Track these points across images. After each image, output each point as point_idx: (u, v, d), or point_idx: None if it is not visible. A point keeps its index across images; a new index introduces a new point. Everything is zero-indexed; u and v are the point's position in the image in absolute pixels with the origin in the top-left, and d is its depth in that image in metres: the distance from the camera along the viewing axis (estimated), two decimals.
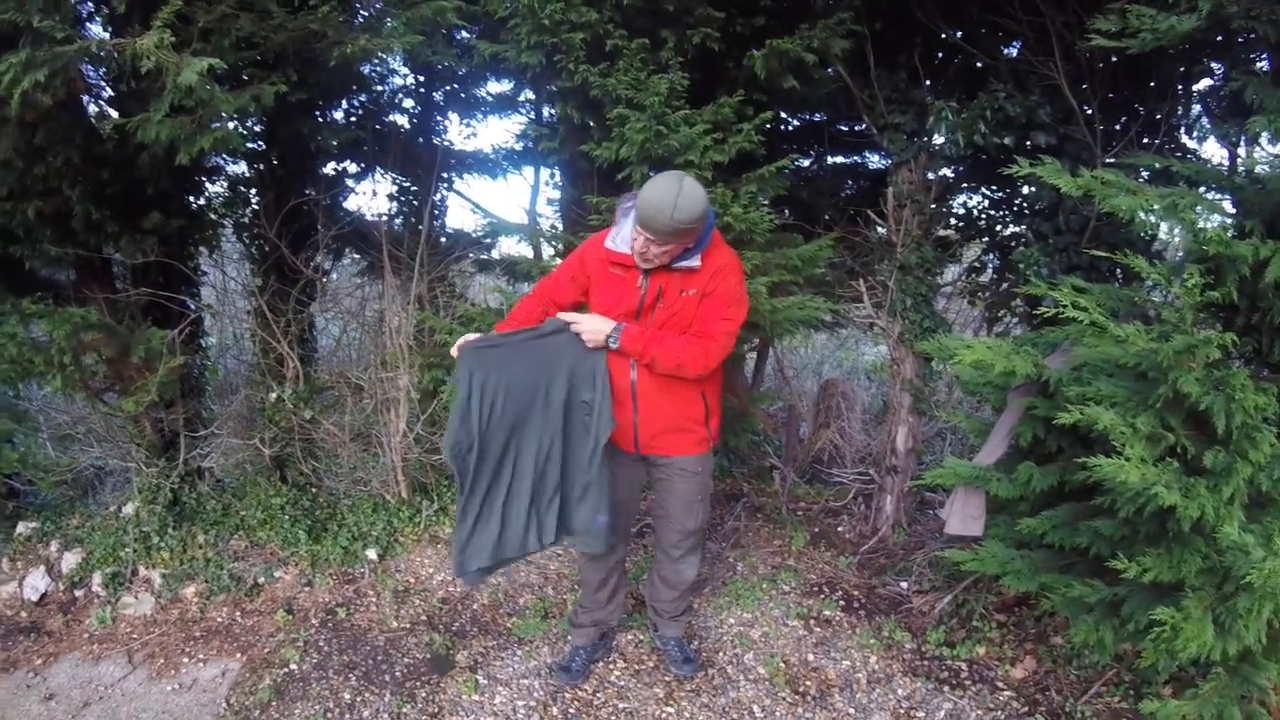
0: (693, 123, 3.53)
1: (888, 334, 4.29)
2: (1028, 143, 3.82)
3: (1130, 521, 2.56)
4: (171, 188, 4.19)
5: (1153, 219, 2.74)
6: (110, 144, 3.75)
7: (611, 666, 3.45)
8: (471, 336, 2.81)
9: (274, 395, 4.44)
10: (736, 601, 3.90)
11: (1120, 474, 2.24)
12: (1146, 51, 2.84)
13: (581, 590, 3.46)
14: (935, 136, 4.03)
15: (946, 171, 4.53)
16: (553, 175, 5.15)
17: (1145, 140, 3.94)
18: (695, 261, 2.71)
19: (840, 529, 4.53)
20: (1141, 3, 2.87)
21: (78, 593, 4.06)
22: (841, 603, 3.93)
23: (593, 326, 2.75)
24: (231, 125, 3.33)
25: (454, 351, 2.79)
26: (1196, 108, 4.16)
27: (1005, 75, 3.87)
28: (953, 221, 4.93)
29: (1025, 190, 4.56)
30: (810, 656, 3.55)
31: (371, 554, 4.41)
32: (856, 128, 5.47)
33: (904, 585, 4.06)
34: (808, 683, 3.39)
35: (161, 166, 3.83)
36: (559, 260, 4.27)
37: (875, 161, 5.71)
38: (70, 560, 4.17)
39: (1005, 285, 4.72)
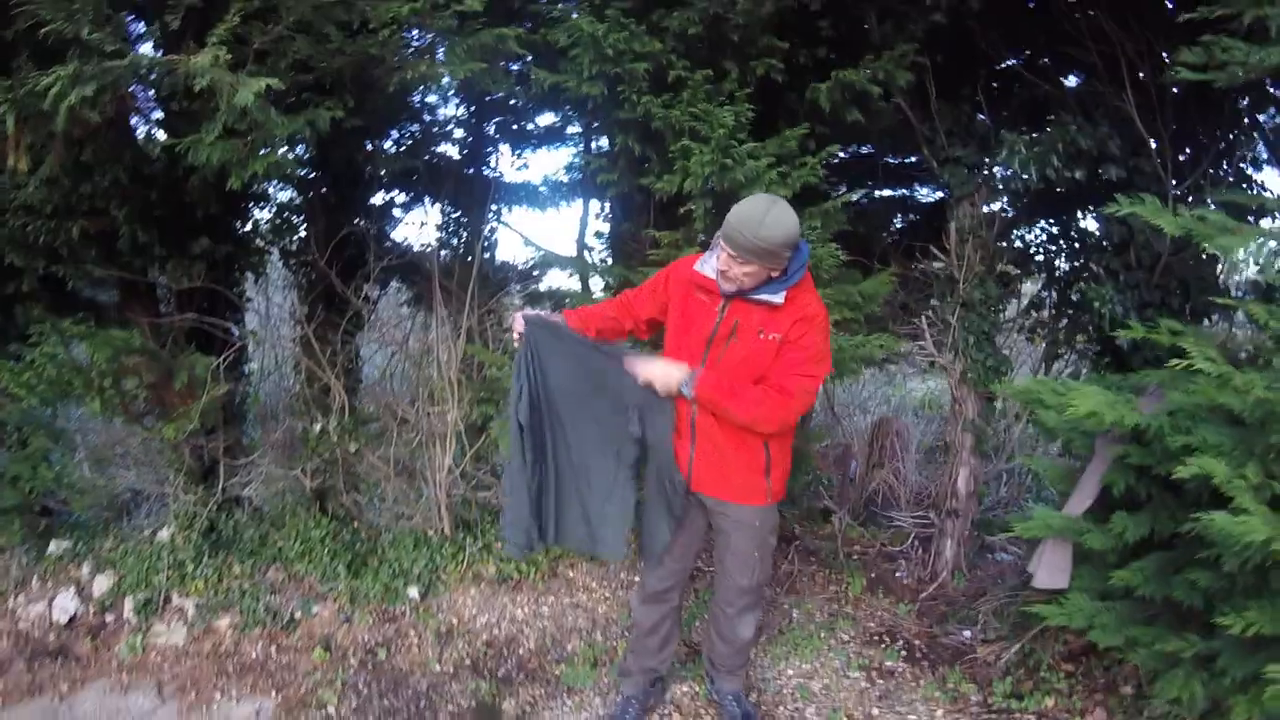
0: (757, 156, 3.37)
1: (949, 373, 4.08)
2: (1098, 176, 3.64)
3: (1228, 574, 2.35)
4: (220, 212, 4.08)
5: (1254, 259, 2.53)
6: (159, 165, 3.66)
7: None
8: (532, 312, 2.74)
9: (318, 426, 4.28)
10: (794, 651, 3.66)
11: (1240, 529, 2.02)
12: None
13: (633, 634, 3.24)
14: (1002, 169, 3.85)
15: (1002, 205, 4.34)
16: (603, 208, 5.00)
17: (1212, 172, 3.75)
18: (779, 297, 2.51)
19: (898, 574, 4.28)
20: (1221, 32, 2.69)
21: (108, 617, 3.87)
22: (903, 652, 3.68)
23: (664, 373, 2.58)
24: (283, 150, 3.19)
25: (516, 322, 2.75)
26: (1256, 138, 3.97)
27: (1072, 107, 3.69)
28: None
29: (1085, 225, 4.37)
30: (875, 711, 3.30)
31: (413, 592, 4.22)
32: (906, 160, 5.34)
33: (967, 634, 3.81)
34: None
35: (211, 191, 3.72)
36: (606, 294, 4.12)
37: (925, 195, 5.56)
38: (102, 583, 3.98)
39: (1065, 322, 4.49)
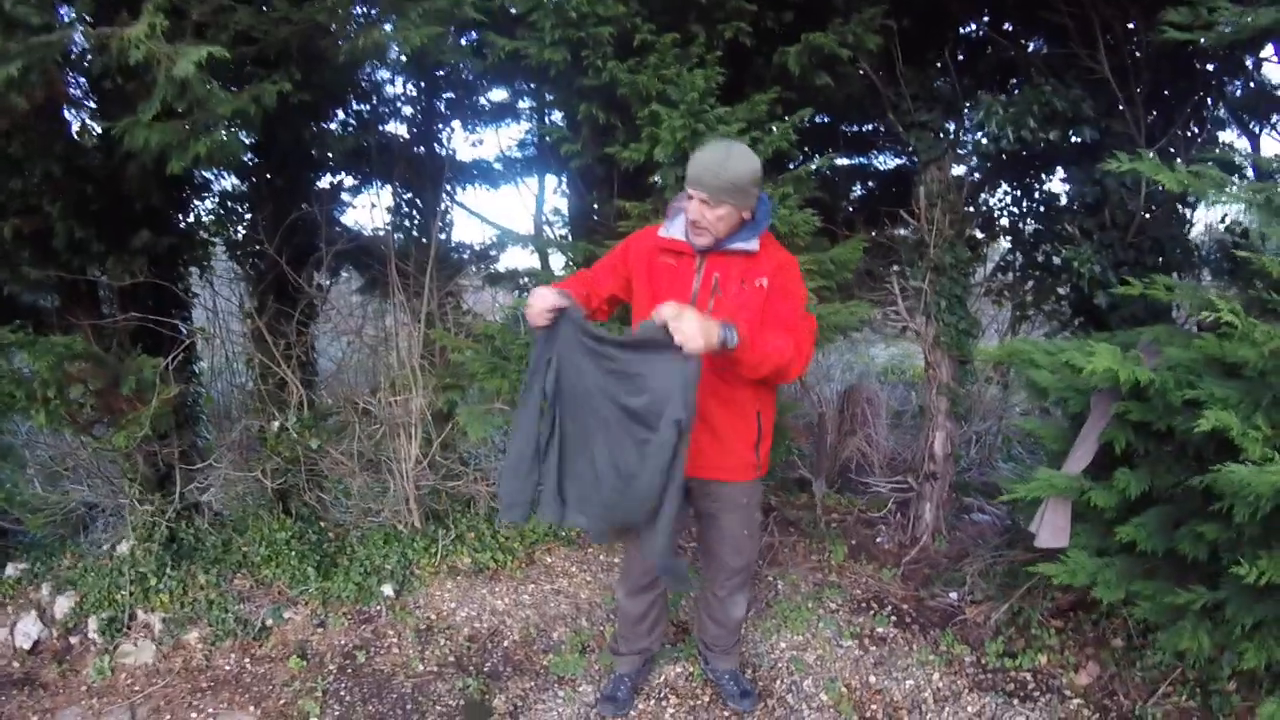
0: (729, 121, 3.21)
1: (922, 338, 4.00)
2: (1067, 138, 3.58)
3: (1236, 525, 2.30)
4: (161, 203, 3.77)
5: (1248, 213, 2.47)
6: (94, 156, 3.35)
7: (664, 704, 3.09)
8: (549, 292, 2.39)
9: (276, 424, 4.02)
10: (785, 624, 3.56)
11: (1268, 479, 1.95)
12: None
13: (619, 623, 3.10)
14: (970, 133, 3.77)
15: (958, 170, 4.26)
16: (560, 183, 4.79)
17: (1180, 134, 3.73)
18: (753, 244, 2.41)
19: (879, 540, 4.22)
20: None
21: (73, 640, 3.60)
22: (893, 618, 3.61)
23: (694, 329, 2.11)
24: (228, 131, 2.92)
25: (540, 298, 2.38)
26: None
27: (1043, 70, 3.61)
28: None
29: (1050, 188, 4.32)
30: (872, 678, 3.23)
31: (388, 590, 4.00)
32: (864, 128, 5.24)
33: (954, 596, 3.77)
34: (874, 706, 3.07)
35: (151, 180, 3.42)
36: (568, 272, 3.91)
37: (883, 163, 5.48)
38: (63, 604, 3.72)
39: (1031, 284, 4.46)
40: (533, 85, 4.24)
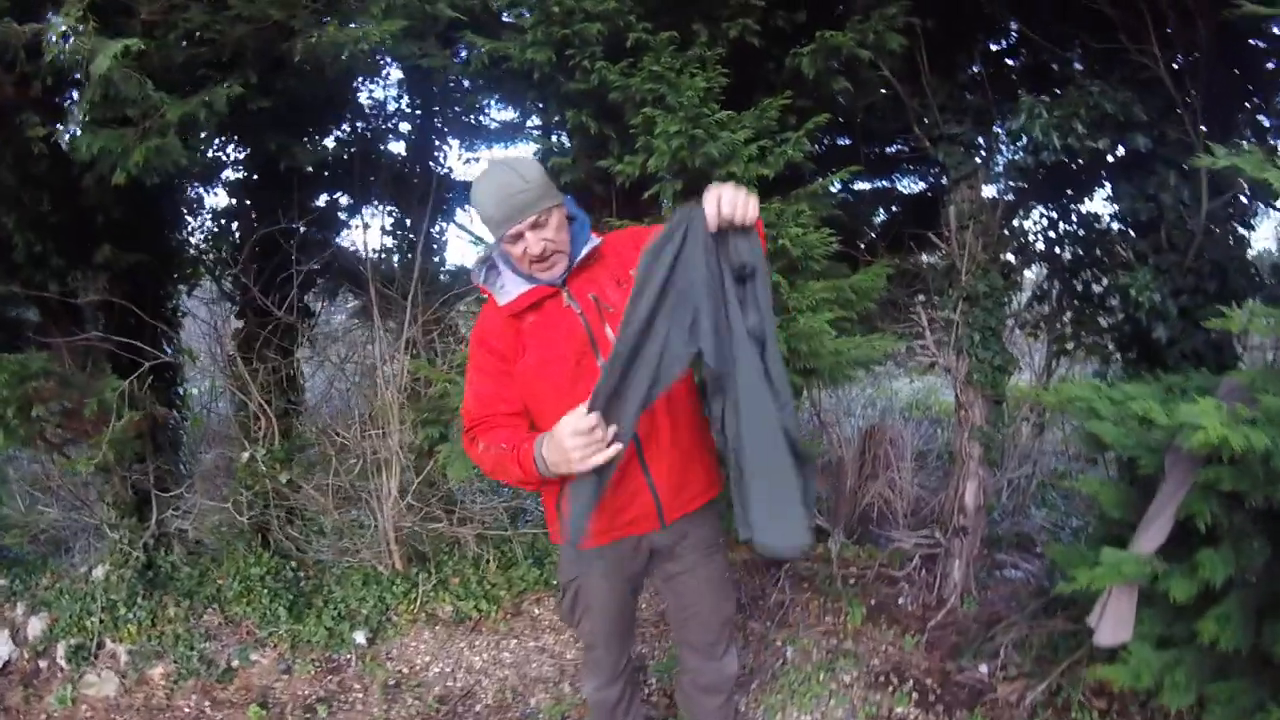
0: (733, 128, 2.72)
1: (953, 375, 3.44)
2: (1117, 149, 3.04)
3: None
4: (127, 217, 3.38)
5: None
6: (44, 163, 2.96)
7: None
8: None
9: (246, 455, 3.58)
10: (791, 699, 3.01)
11: None
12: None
13: (591, 712, 2.54)
14: (1007, 146, 3.24)
15: (990, 189, 3.72)
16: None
17: (1246, 140, 3.15)
18: (594, 240, 1.95)
19: (901, 600, 3.63)
20: None
21: (42, 663, 3.41)
22: (914, 695, 3.04)
23: (715, 192, 1.67)
24: (164, 138, 2.50)
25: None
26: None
27: (1087, 71, 3.08)
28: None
29: (1091, 208, 3.76)
30: None
31: (359, 637, 3.56)
32: (888, 149, 4.73)
33: (984, 670, 3.17)
34: None
35: (110, 192, 3.02)
36: None
37: (908, 186, 4.96)
38: (36, 626, 3.52)
39: (1070, 314, 3.87)
40: (539, 102, 3.78)
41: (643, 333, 1.66)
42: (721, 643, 2.30)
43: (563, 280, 1.92)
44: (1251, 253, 3.53)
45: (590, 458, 1.65)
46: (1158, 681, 2.12)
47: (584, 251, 1.92)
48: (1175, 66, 2.97)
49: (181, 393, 4.37)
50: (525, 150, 4.86)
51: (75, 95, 2.62)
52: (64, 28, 2.23)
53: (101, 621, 3.46)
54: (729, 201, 1.67)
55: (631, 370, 1.67)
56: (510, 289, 1.93)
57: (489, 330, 1.97)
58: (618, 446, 1.67)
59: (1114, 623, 2.03)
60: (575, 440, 1.64)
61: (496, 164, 1.90)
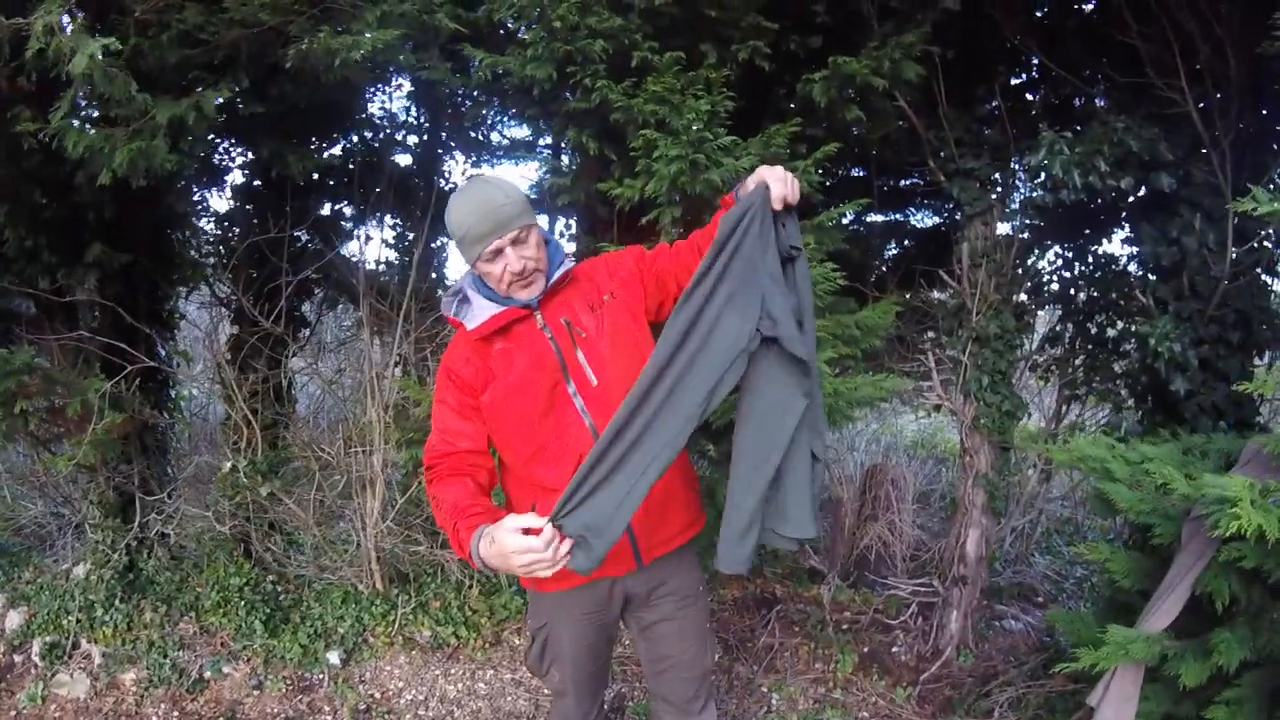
0: (737, 154, 2.57)
1: (959, 418, 3.26)
2: (1140, 189, 2.87)
3: None
4: (121, 216, 3.29)
5: None
6: (35, 158, 2.87)
7: None
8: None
9: (228, 465, 3.45)
10: None
11: None
12: None
13: None
14: (1024, 184, 3.08)
15: (1005, 227, 3.55)
16: (569, 225, 4.18)
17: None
18: (568, 263, 1.84)
19: (895, 649, 3.43)
20: None
21: (17, 658, 3.30)
22: None
23: (776, 172, 1.63)
24: (150, 141, 2.39)
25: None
26: None
27: (1111, 106, 2.92)
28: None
29: (1108, 249, 3.59)
30: None
31: (334, 657, 3.41)
32: (901, 183, 4.58)
33: None
34: None
35: (101, 190, 2.92)
36: None
37: (920, 220, 4.81)
38: (15, 620, 3.43)
39: (1082, 359, 3.70)
40: (541, 119, 3.66)
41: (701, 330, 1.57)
42: (700, 698, 2.12)
43: (537, 301, 1.79)
44: (1277, 302, 3.35)
45: (536, 571, 1.48)
46: None
47: (558, 274, 1.81)
48: (1203, 105, 2.81)
49: (174, 396, 4.25)
50: (533, 169, 4.77)
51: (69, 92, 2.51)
52: (43, 23, 2.12)
53: (79, 621, 3.37)
54: (786, 180, 1.62)
55: (690, 366, 1.55)
56: (479, 313, 1.79)
57: (455, 359, 1.83)
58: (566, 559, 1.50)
59: (1117, 703, 1.85)
60: (523, 558, 1.46)
61: (476, 180, 1.81)
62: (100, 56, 2.09)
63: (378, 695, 3.23)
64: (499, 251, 1.71)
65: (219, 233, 4.39)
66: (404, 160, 4.31)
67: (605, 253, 1.98)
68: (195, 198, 4.25)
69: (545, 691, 3.17)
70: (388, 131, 4.25)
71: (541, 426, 1.73)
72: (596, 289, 1.84)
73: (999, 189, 3.33)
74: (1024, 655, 3.36)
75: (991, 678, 3.22)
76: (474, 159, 4.41)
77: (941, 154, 3.32)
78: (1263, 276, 3.02)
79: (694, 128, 2.48)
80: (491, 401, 1.77)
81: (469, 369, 1.80)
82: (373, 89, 3.94)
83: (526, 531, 1.48)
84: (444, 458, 1.78)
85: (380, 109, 4.28)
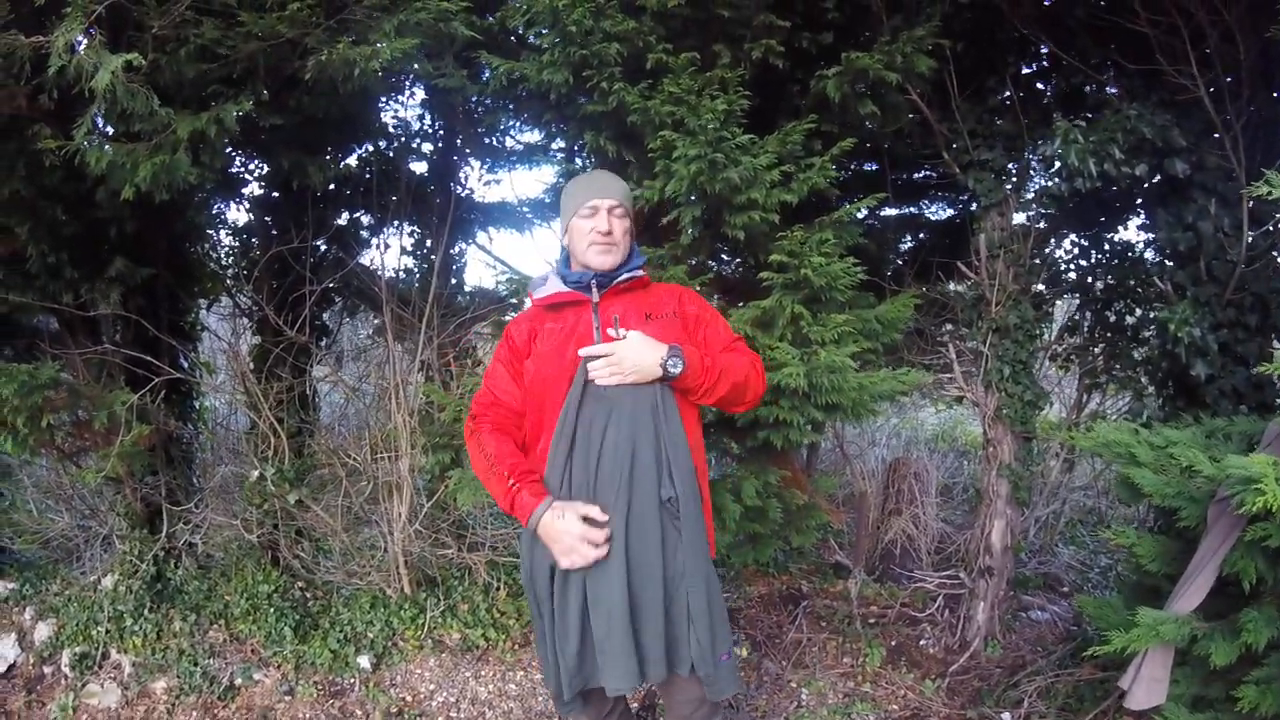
0: (755, 152, 2.62)
1: (981, 410, 3.29)
2: (1155, 175, 2.89)
3: None
4: (142, 230, 3.35)
5: None
6: (56, 174, 2.94)
7: None
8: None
9: (255, 473, 3.51)
10: None
11: None
12: None
13: None
14: (1039, 172, 3.10)
15: (1021, 217, 3.56)
16: None
17: None
18: (641, 270, 1.99)
19: (922, 641, 3.46)
20: None
21: (46, 669, 3.36)
22: None
23: (635, 357, 1.79)
24: (173, 155, 2.45)
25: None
26: None
27: (1123, 94, 2.94)
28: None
29: (1124, 236, 3.61)
30: None
31: (364, 661, 3.45)
32: (915, 176, 4.61)
33: (1007, 718, 3.01)
34: None
35: (126, 206, 2.99)
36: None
37: (935, 212, 4.83)
38: (43, 631, 3.47)
39: (1102, 347, 3.71)
40: (557, 124, 3.71)
41: None
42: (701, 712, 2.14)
43: (599, 290, 1.92)
44: None
45: (573, 559, 1.74)
46: None
47: (630, 272, 1.95)
48: (1213, 90, 2.83)
49: (197, 407, 4.33)
50: (547, 173, 4.82)
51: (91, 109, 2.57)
52: (64, 41, 2.19)
53: (108, 631, 3.42)
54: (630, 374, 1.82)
55: None
56: (548, 287, 1.97)
57: (516, 325, 2.01)
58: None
59: (1148, 686, 1.88)
60: (574, 542, 1.74)
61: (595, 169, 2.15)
62: (122, 72, 2.15)
63: (409, 698, 3.28)
64: (595, 211, 1.91)
65: (238, 245, 4.47)
66: (420, 168, 4.38)
67: (675, 285, 2.11)
68: (213, 211, 4.34)
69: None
70: (403, 140, 4.31)
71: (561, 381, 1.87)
72: (661, 303, 1.98)
73: (1013, 179, 3.36)
74: (1051, 645, 3.37)
75: (1020, 668, 3.24)
76: (489, 164, 4.46)
77: (955, 146, 3.34)
78: (1279, 259, 3.05)
79: (711, 127, 2.53)
80: (530, 370, 1.92)
81: (522, 335, 1.97)
82: (387, 98, 4.00)
83: (587, 520, 1.75)
84: (490, 408, 1.96)
85: (394, 118, 4.36)
